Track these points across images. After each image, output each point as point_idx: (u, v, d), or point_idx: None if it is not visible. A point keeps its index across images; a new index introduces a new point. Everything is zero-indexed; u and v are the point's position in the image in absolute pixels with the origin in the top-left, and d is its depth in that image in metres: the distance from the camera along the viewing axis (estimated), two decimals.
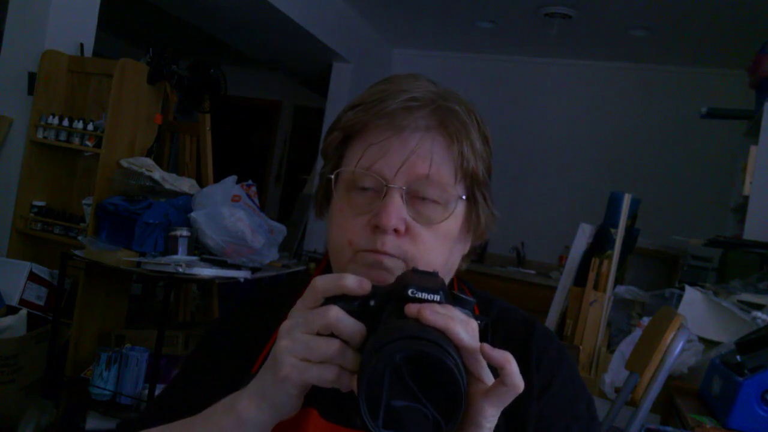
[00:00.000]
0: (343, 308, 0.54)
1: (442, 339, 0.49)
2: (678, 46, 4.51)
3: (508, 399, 0.51)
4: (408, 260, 0.66)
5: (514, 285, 4.52)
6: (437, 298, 0.53)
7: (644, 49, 4.64)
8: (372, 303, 0.55)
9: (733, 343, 1.64)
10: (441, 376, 0.47)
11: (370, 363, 0.48)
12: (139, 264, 2.27)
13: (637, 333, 2.11)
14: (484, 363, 0.51)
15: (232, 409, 0.58)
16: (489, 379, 0.52)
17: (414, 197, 0.67)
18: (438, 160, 0.68)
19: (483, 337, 0.54)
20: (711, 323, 2.09)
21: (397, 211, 0.65)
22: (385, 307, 0.54)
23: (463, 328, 0.51)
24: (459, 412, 0.47)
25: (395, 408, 0.48)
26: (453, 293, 0.56)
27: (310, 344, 0.53)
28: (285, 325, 0.56)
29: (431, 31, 5.07)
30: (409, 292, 0.53)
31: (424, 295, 0.53)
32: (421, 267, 0.58)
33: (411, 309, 0.51)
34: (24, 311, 2.37)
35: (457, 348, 0.50)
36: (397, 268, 0.66)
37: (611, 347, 2.48)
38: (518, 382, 0.50)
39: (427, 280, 0.55)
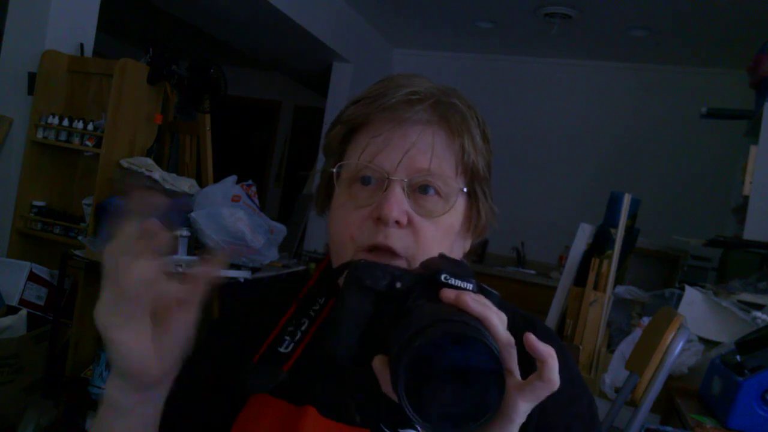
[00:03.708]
0: (370, 287, 0.53)
1: (482, 326, 0.48)
2: (678, 46, 4.51)
3: (542, 395, 0.50)
4: (408, 257, 0.66)
5: (514, 285, 4.52)
6: (470, 286, 0.52)
7: (644, 49, 4.64)
8: (398, 285, 0.54)
9: (733, 343, 1.64)
10: (481, 363, 0.46)
11: (412, 344, 0.45)
12: None
13: (637, 333, 2.11)
14: (515, 356, 0.51)
15: (105, 400, 0.60)
16: (518, 373, 0.51)
17: (415, 190, 0.68)
18: (439, 153, 0.68)
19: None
20: (711, 323, 2.09)
21: (398, 202, 0.66)
22: (413, 289, 0.53)
23: (499, 319, 0.50)
24: (499, 400, 0.46)
25: (433, 394, 0.45)
26: (480, 285, 0.55)
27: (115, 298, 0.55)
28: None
29: (431, 31, 5.07)
30: (443, 277, 0.52)
31: (459, 282, 0.52)
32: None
33: (448, 294, 0.51)
34: (24, 311, 2.37)
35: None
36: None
37: (611, 347, 2.48)
38: (556, 379, 0.49)
39: (459, 267, 0.54)
